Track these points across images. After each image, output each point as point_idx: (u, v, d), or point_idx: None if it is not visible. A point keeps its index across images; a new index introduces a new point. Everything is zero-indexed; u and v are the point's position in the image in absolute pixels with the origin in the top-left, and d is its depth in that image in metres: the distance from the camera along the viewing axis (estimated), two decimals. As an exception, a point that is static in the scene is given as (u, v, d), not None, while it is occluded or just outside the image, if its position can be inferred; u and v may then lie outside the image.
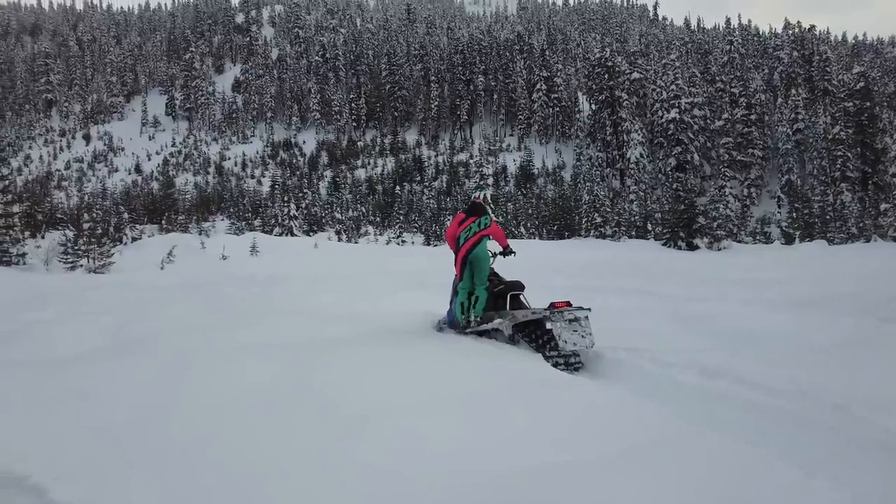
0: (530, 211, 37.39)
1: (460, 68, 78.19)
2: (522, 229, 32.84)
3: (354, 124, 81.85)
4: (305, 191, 53.91)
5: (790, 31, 72.95)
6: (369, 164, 73.42)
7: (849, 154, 41.58)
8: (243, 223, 48.45)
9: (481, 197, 6.47)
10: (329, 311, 7.05)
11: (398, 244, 40.22)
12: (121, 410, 3.36)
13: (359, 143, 78.42)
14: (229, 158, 78.53)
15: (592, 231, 24.44)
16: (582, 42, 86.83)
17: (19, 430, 3.09)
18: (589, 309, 5.23)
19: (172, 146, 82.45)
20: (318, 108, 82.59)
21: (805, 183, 44.49)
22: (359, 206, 57.90)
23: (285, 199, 46.26)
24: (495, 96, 77.69)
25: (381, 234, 46.05)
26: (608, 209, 24.90)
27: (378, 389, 3.76)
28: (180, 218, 45.39)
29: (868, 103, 42.85)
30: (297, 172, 70.99)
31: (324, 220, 49.78)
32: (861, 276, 11.35)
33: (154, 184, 65.66)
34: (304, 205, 50.64)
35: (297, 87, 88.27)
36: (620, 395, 3.98)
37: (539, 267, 14.72)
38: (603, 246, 21.50)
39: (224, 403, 3.50)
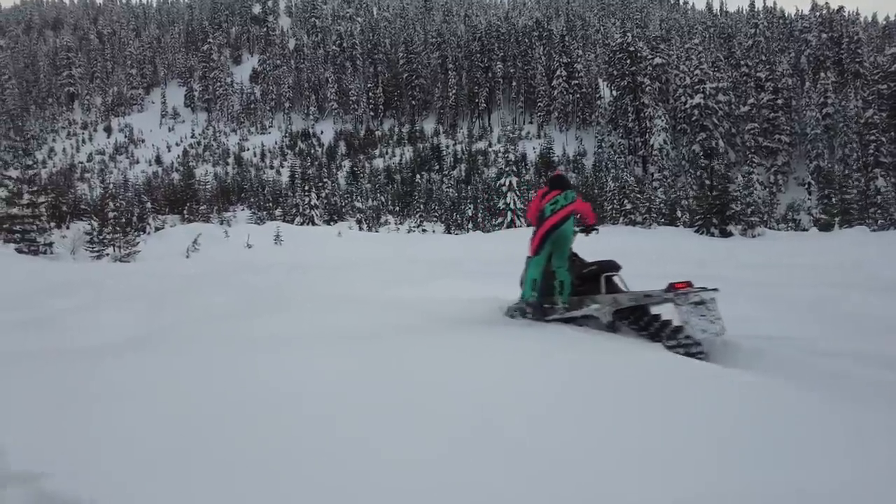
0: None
1: (478, 56, 77.41)
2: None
3: (372, 114, 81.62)
4: (325, 180, 53.93)
5: (818, 13, 70.95)
6: (387, 153, 73.22)
7: (882, 138, 40.31)
8: (264, 213, 48.66)
9: (562, 169, 5.88)
10: (382, 298, 6.69)
11: (419, 233, 40.04)
12: (192, 405, 2.92)
13: (376, 133, 78.22)
14: (248, 149, 78.90)
15: (622, 218, 23.95)
16: (601, 28, 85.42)
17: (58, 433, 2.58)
18: (716, 289, 4.58)
19: (192, 137, 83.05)
20: (336, 97, 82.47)
21: (835, 168, 43.28)
22: (378, 195, 57.77)
23: (306, 188, 46.23)
24: (514, 83, 76.84)
25: (401, 224, 45.92)
26: (638, 195, 24.38)
27: (490, 391, 3.11)
28: (202, 208, 45.67)
29: (902, 85, 41.46)
30: (316, 162, 71.05)
31: (344, 210, 49.75)
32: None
33: (174, 175, 66.22)
34: (323, 194, 50.65)
35: (314, 77, 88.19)
36: (818, 396, 3.09)
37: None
38: (636, 233, 21.04)
39: (320, 399, 2.94)
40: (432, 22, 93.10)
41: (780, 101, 48.79)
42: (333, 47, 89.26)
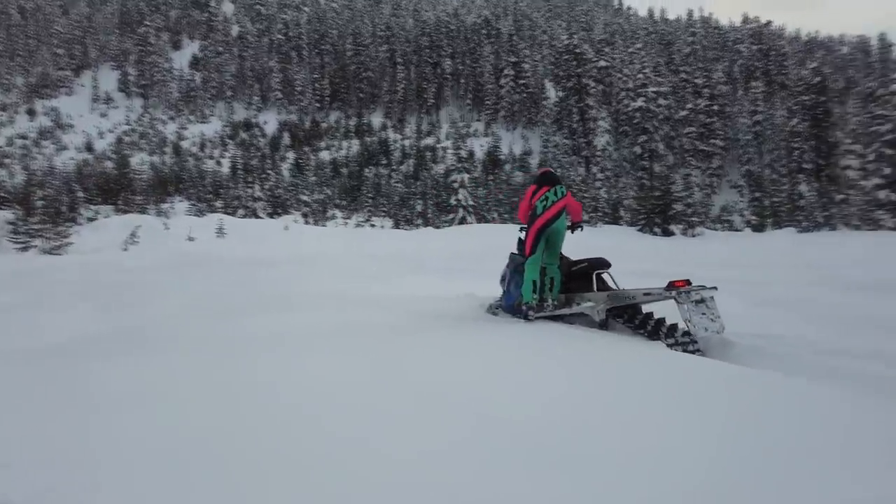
0: (501, 196, 37.38)
1: (427, 51, 77.30)
2: (495, 214, 32.78)
3: (318, 105, 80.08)
4: (269, 172, 52.57)
5: (749, 26, 74.83)
6: (333, 146, 72.04)
7: (805, 146, 42.97)
8: (204, 205, 46.92)
9: (551, 166, 5.88)
10: (358, 296, 6.51)
11: (368, 228, 39.68)
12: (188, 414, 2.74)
13: (322, 125, 76.82)
14: (187, 138, 75.75)
15: (569, 217, 24.59)
16: (548, 29, 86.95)
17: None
18: (715, 288, 4.56)
19: (126, 124, 78.95)
20: (280, 87, 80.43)
21: (764, 173, 45.86)
22: (324, 188, 56.79)
23: (248, 180, 44.92)
24: (462, 80, 77.20)
25: (348, 218, 45.36)
26: (585, 195, 25.04)
27: (520, 395, 2.90)
28: (137, 198, 43.57)
29: (823, 98, 44.30)
30: (259, 153, 69.09)
31: (288, 203, 48.67)
32: (870, 262, 11.58)
33: (107, 163, 62.82)
34: (267, 186, 49.42)
35: (258, 65, 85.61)
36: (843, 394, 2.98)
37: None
38: (586, 232, 21.60)
39: (327, 407, 2.73)
40: (381, 15, 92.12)
41: (715, 108, 51.17)
42: (279, 36, 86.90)
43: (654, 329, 4.86)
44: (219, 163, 67.48)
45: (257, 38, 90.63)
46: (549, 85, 70.12)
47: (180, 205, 50.26)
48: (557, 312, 5.45)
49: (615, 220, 26.48)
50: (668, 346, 4.56)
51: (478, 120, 73.48)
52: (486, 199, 37.24)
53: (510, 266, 6.05)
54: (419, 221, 42.84)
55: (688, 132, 50.84)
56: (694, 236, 21.54)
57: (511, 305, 5.84)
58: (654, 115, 49.01)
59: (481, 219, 28.71)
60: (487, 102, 71.26)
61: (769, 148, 48.35)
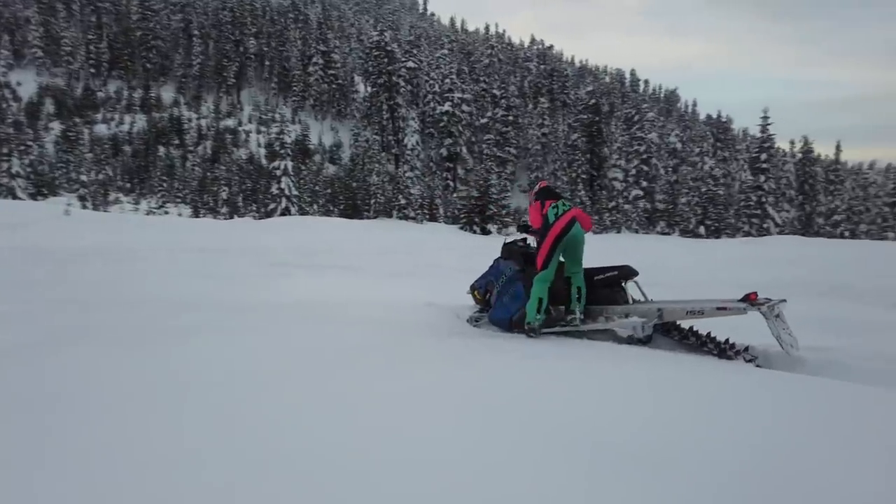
0: (317, 188, 36.63)
1: (229, 27, 71.96)
2: (316, 207, 32.04)
3: (93, 71, 69.46)
4: (30, 143, 44.27)
5: (535, 47, 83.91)
6: (113, 119, 63.26)
7: (582, 158, 49.76)
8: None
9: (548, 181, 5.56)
10: (273, 303, 5.80)
11: (162, 215, 35.91)
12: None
13: (99, 94, 66.89)
14: None
15: (395, 213, 25.21)
16: (356, 23, 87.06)
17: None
18: (784, 300, 4.24)
19: None
20: (41, 44, 67.95)
21: (549, 180, 51.99)
22: (103, 168, 49.65)
23: (4, 152, 37.29)
24: (268, 63, 73.49)
25: (137, 203, 40.37)
26: (411, 192, 25.92)
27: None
28: None
29: (597, 118, 51.73)
30: (11, 121, 57.53)
31: (57, 182, 41.63)
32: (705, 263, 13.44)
33: None
34: (26, 161, 41.63)
35: (8, 12, 71.05)
36: None
37: (390, 250, 14.62)
38: (415, 228, 22.37)
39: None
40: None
41: (510, 118, 56.37)
42: (38, -19, 73.18)
43: (719, 347, 4.49)
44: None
45: (8, -20, 75.15)
46: (358, 79, 70.29)
47: None
48: (585, 328, 4.95)
49: (434, 218, 27.92)
50: (746, 362, 4.28)
51: (284, 105, 70.67)
52: (300, 189, 36.12)
53: (501, 275, 5.59)
54: (224, 209, 39.96)
55: (487, 139, 55.24)
56: (506, 235, 23.80)
57: (504, 319, 5.33)
58: (459, 119, 52.39)
59: (303, 211, 27.88)
60: (295, 88, 68.93)
61: (553, 158, 54.93)
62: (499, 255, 5.97)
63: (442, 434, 2.36)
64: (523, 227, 5.62)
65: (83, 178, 40.98)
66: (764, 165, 33.92)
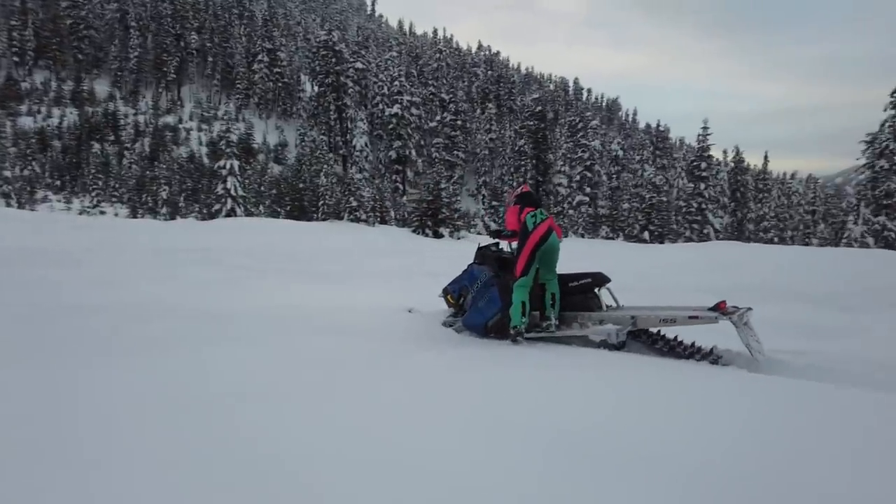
0: (262, 188, 35.66)
1: (169, 20, 69.18)
2: (262, 208, 31.15)
3: (16, 59, 65.22)
4: (-55, 137, 41.07)
5: (483, 53, 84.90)
6: (40, 112, 59.57)
7: (528, 164, 50.67)
8: None
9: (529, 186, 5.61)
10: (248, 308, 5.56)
11: (98, 215, 34.13)
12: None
13: (23, 84, 62.85)
14: None
15: (347, 215, 24.83)
16: (303, 21, 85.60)
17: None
18: (751, 309, 4.37)
19: None
20: (-42, 29, 63.30)
21: (496, 185, 52.70)
22: (30, 163, 46.67)
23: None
24: (210, 59, 71.13)
25: (69, 202, 38.14)
26: (363, 195, 25.61)
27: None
28: None
29: (543, 124, 52.84)
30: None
31: (-23, 178, 38.80)
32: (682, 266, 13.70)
33: None
34: (-58, 155, 38.74)
35: (-79, -6, 65.85)
36: None
37: (347, 252, 14.42)
38: (368, 230, 22.09)
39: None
40: (107, -34, 79.14)
41: (459, 122, 56.77)
42: (-44, -38, 68.11)
43: (686, 351, 4.65)
44: None
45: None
46: (305, 78, 69.10)
47: None
48: (560, 334, 5.02)
49: (385, 221, 27.71)
50: (711, 364, 4.37)
51: (227, 103, 68.56)
52: (245, 189, 35.02)
53: (476, 281, 5.56)
54: (164, 210, 38.34)
55: (436, 142, 55.43)
56: (458, 239, 23.95)
57: (479, 324, 5.32)
58: (408, 122, 52.30)
59: (249, 212, 27.07)
60: (239, 86, 67.03)
61: (500, 163, 55.71)
62: (472, 259, 5.95)
63: (446, 445, 2.38)
64: (495, 233, 5.64)
65: (6, 174, 38.34)
66: (704, 174, 35.52)
